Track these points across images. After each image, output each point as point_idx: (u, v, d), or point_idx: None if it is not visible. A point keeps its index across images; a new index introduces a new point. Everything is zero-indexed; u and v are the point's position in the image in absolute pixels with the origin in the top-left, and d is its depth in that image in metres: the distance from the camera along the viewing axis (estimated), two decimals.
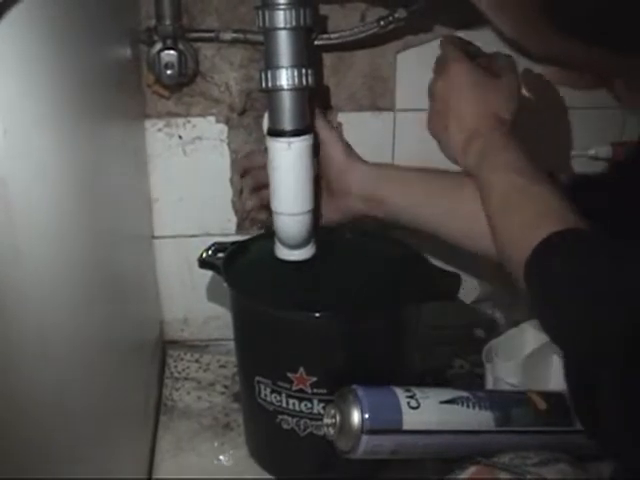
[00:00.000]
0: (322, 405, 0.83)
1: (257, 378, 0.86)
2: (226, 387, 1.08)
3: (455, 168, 0.88)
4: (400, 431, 0.72)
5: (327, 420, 0.75)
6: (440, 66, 0.88)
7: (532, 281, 0.67)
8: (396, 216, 0.88)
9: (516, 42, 0.46)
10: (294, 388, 0.83)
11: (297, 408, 0.84)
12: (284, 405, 0.85)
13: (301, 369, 0.82)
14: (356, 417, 0.73)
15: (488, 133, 0.81)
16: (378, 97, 1.05)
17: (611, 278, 0.61)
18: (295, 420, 0.85)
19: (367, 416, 0.73)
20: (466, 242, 0.83)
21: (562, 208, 0.70)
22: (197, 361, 1.14)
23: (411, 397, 0.75)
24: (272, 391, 0.85)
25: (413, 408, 0.74)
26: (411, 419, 0.74)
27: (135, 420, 0.90)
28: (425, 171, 0.89)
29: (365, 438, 0.72)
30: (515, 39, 0.46)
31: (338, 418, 0.74)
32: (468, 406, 0.79)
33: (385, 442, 0.74)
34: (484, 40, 0.99)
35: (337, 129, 1.00)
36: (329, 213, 0.93)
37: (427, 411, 0.75)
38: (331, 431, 0.75)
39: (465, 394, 0.81)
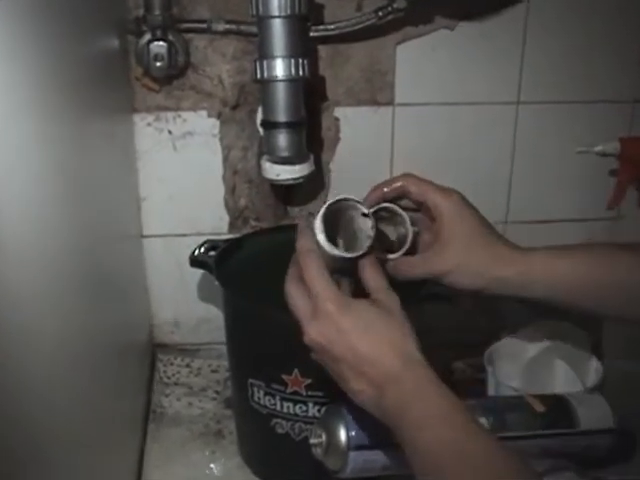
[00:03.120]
0: (318, 408, 0.84)
1: (250, 380, 0.87)
2: (218, 393, 1.08)
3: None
4: (390, 445, 0.70)
5: (314, 440, 0.76)
6: (298, 286, 0.69)
7: None
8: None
9: None
10: (289, 390, 0.84)
11: (292, 411, 0.84)
12: (278, 408, 0.85)
13: (296, 371, 0.82)
14: (342, 434, 0.74)
15: (399, 379, 0.63)
16: (377, 91, 1.05)
17: None
18: (290, 424, 0.86)
19: (353, 433, 0.74)
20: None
21: (507, 469, 0.59)
22: (188, 365, 1.14)
23: None
24: (266, 394, 0.85)
25: None
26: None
27: (122, 428, 0.90)
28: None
29: (353, 455, 0.74)
30: None
31: (324, 437, 0.76)
32: None
33: (375, 457, 0.75)
34: (489, 33, 1.01)
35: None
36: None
37: None
38: (319, 451, 0.76)
39: None
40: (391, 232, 0.78)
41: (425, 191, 0.76)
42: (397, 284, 0.72)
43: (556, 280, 0.75)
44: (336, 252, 0.69)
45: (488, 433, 0.63)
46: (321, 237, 0.68)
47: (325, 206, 0.69)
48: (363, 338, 0.65)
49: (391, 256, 0.76)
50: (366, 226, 0.70)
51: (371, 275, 0.70)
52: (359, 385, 0.65)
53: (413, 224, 0.77)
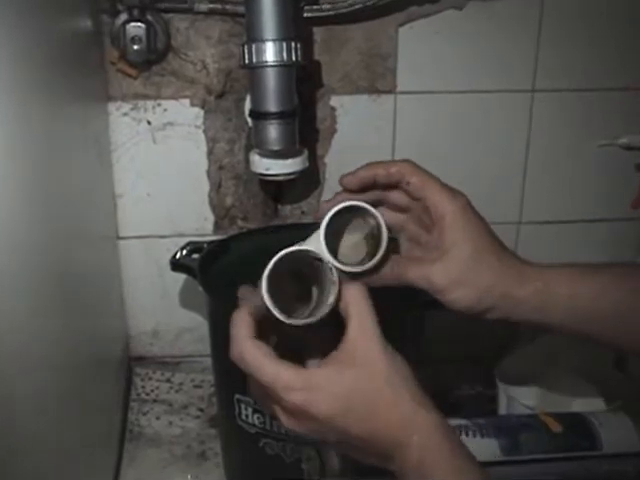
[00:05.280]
0: None
1: (237, 396, 0.86)
2: (201, 410, 1.08)
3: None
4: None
5: (306, 463, 0.77)
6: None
7: None
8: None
9: None
10: None
11: (282, 430, 0.84)
12: (268, 427, 0.85)
13: None
14: (336, 458, 0.74)
15: (403, 446, 0.61)
16: (377, 78, 1.05)
17: None
18: (280, 445, 0.85)
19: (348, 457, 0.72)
20: None
21: None
22: (168, 380, 1.14)
23: None
24: (254, 411, 0.85)
25: None
26: None
27: (95, 449, 0.89)
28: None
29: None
30: None
31: (318, 459, 0.76)
32: (467, 434, 0.80)
33: None
34: (501, 13, 1.00)
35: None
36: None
37: None
38: (312, 474, 0.76)
39: (463, 422, 0.82)
40: (358, 238, 0.70)
41: (427, 186, 0.69)
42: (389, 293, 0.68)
43: (579, 304, 0.68)
44: (279, 316, 0.61)
45: None
46: (266, 297, 0.61)
47: (269, 266, 0.62)
48: (347, 419, 0.60)
49: (357, 269, 0.66)
50: (328, 282, 0.63)
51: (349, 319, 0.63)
52: (368, 459, 0.63)
53: (390, 230, 0.68)
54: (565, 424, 0.84)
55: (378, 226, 0.66)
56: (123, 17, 0.96)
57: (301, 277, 0.66)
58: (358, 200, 0.67)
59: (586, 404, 0.92)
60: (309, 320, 0.61)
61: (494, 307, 0.68)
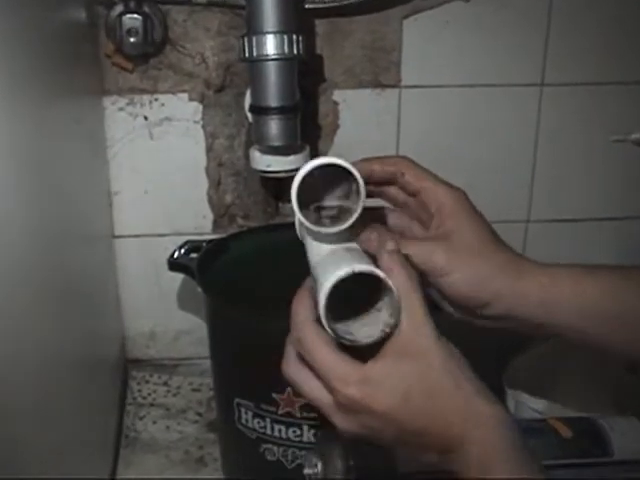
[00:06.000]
0: (313, 432, 0.83)
1: (237, 400, 0.86)
2: (200, 415, 1.08)
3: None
4: (394, 474, 0.71)
5: (308, 469, 0.75)
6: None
7: None
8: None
9: None
10: (280, 412, 0.83)
11: (284, 435, 0.84)
12: (269, 432, 0.85)
13: (289, 389, 0.81)
14: (340, 464, 0.73)
15: (464, 441, 0.60)
16: (381, 72, 1.05)
17: None
18: (282, 450, 0.85)
19: (353, 462, 0.73)
20: None
21: None
22: (165, 384, 1.14)
23: None
24: (255, 415, 0.85)
25: None
26: (406, 459, 0.73)
27: (90, 455, 0.89)
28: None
29: None
30: None
31: (320, 466, 0.74)
32: None
33: None
34: (509, 4, 1.00)
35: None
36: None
37: None
38: None
39: None
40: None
41: (424, 179, 0.68)
42: None
43: (586, 302, 0.66)
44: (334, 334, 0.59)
45: None
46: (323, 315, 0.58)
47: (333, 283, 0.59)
48: (406, 412, 0.59)
49: (331, 230, 0.62)
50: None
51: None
52: (425, 456, 0.61)
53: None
54: (575, 429, 0.84)
55: (357, 185, 0.62)
56: (119, 8, 0.96)
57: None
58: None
59: (597, 408, 0.91)
60: (364, 341, 0.59)
61: (495, 298, 0.66)
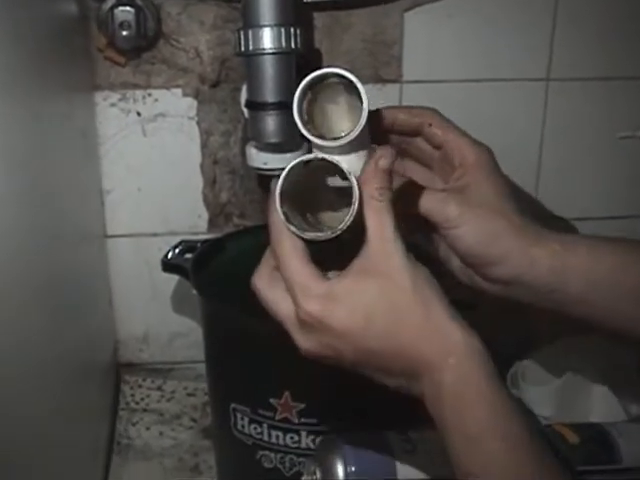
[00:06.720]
0: (311, 438, 0.82)
1: (233, 405, 0.86)
2: (195, 420, 1.08)
3: None
4: None
5: (306, 477, 0.75)
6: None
7: None
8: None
9: None
10: (278, 417, 0.83)
11: (281, 442, 0.84)
12: (266, 438, 0.84)
13: (286, 394, 0.82)
14: (339, 471, 0.73)
15: (435, 368, 0.59)
16: (381, 66, 1.05)
17: None
18: (279, 457, 0.85)
19: (353, 469, 0.72)
20: None
21: None
22: (159, 388, 1.13)
23: (406, 441, 0.74)
24: (251, 421, 0.85)
25: (408, 452, 0.73)
26: (406, 467, 0.73)
27: (81, 462, 0.89)
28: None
29: None
30: None
31: (319, 474, 0.74)
32: None
33: None
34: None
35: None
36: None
37: (425, 457, 0.74)
38: None
39: None
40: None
41: (449, 131, 0.69)
42: None
43: (599, 275, 0.65)
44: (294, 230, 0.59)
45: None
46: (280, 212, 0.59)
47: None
48: (368, 333, 0.58)
49: (334, 143, 0.60)
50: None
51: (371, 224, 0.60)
52: (389, 380, 0.60)
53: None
54: (582, 435, 0.83)
55: (358, 94, 0.59)
56: (111, 1, 0.96)
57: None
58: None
59: (606, 414, 0.91)
60: (323, 235, 0.58)
61: (504, 259, 0.65)
